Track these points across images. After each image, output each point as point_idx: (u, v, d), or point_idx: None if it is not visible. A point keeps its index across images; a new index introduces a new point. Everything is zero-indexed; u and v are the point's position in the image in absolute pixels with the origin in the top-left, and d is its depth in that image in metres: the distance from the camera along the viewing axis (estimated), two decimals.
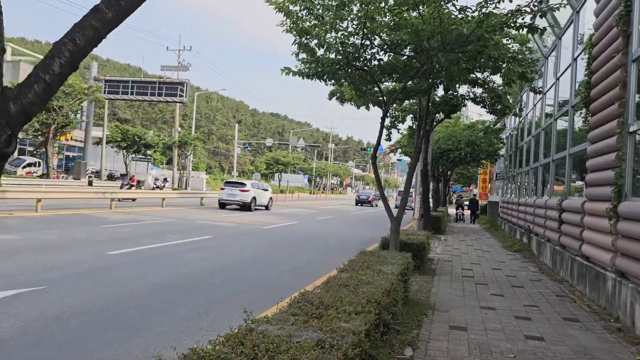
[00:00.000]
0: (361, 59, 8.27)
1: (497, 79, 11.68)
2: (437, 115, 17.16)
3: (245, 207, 27.13)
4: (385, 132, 15.16)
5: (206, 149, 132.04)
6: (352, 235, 18.44)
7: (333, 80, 8.91)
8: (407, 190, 9.48)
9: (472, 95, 17.21)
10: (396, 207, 18.79)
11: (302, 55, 8.85)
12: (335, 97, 16.51)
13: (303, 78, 8.45)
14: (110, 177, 49.65)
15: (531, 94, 19.06)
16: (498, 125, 28.31)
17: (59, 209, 19.61)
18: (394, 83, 9.58)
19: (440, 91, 16.38)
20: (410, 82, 9.03)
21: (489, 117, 32.21)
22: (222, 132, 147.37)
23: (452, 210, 46.13)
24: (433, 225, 19.56)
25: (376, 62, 8.49)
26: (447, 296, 7.99)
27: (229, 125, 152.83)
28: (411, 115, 16.68)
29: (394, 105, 13.85)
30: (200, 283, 8.35)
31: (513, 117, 24.39)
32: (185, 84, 37.70)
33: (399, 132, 15.84)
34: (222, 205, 27.48)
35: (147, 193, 26.23)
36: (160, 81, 38.04)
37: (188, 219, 20.17)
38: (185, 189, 50.78)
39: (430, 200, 26.05)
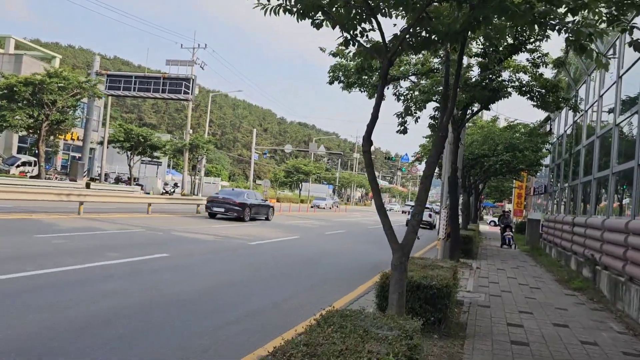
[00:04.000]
0: None
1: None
2: (470, 106, 13.35)
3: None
4: (399, 119, 11.40)
5: (230, 157, 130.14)
6: (360, 257, 14.67)
7: (303, 14, 5.20)
8: (423, 200, 5.74)
9: (517, 83, 13.45)
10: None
11: None
12: (338, 80, 12.91)
13: None
14: (118, 181, 46.93)
15: (592, 84, 15.08)
16: (541, 131, 24.17)
17: (11, 213, 16.42)
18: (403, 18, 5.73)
19: (475, 70, 12.61)
20: (429, 15, 5.32)
21: (531, 120, 28.21)
22: (247, 140, 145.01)
23: (484, 228, 41.86)
24: (463, 248, 15.66)
25: None
26: None
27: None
28: (435, 105, 12.85)
29: (409, 78, 10.13)
30: (67, 343, 4.78)
31: (563, 119, 20.33)
32: (192, 80, 34.52)
33: (416, 123, 11.86)
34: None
35: (127, 197, 22.89)
36: (164, 77, 34.96)
37: (164, 229, 16.72)
38: (196, 195, 47.68)
39: (460, 215, 22.13)
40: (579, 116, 16.03)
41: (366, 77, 12.86)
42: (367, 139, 5.55)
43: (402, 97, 11.98)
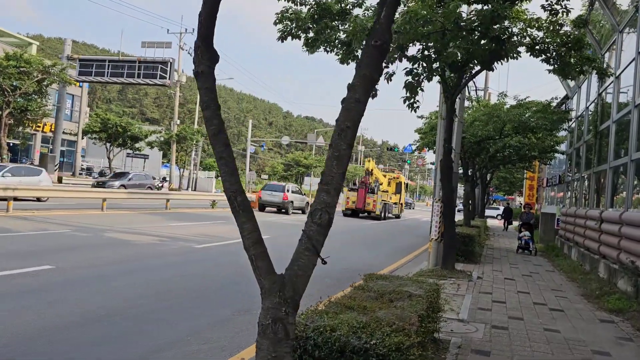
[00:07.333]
0: None
1: None
2: (467, 67, 10.25)
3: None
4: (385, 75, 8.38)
5: (235, 151, 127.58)
6: (337, 262, 11.60)
7: None
8: (336, 178, 2.76)
9: (528, 40, 10.40)
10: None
11: None
12: (292, 36, 9.83)
13: None
14: (101, 175, 44.24)
15: (625, 42, 11.93)
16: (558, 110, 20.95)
17: None
18: None
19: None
20: None
21: (543, 98, 25.04)
22: (252, 134, 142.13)
23: (492, 222, 38.68)
24: (462, 249, 12.65)
25: None
26: None
27: (259, 127, 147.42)
28: (438, 79, 9.83)
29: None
30: None
31: (584, 96, 17.15)
32: (169, 64, 31.60)
33: (422, 92, 8.64)
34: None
35: (86, 192, 19.99)
36: (140, 60, 32.00)
37: (100, 228, 13.85)
38: (187, 189, 45.00)
39: (462, 208, 19.10)
40: (608, 84, 12.86)
41: (330, 31, 9.82)
42: (207, 44, 2.54)
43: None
